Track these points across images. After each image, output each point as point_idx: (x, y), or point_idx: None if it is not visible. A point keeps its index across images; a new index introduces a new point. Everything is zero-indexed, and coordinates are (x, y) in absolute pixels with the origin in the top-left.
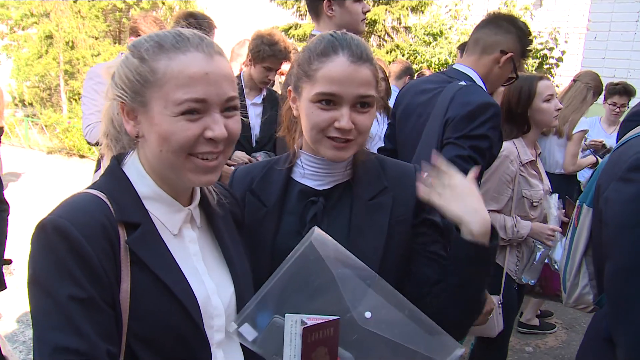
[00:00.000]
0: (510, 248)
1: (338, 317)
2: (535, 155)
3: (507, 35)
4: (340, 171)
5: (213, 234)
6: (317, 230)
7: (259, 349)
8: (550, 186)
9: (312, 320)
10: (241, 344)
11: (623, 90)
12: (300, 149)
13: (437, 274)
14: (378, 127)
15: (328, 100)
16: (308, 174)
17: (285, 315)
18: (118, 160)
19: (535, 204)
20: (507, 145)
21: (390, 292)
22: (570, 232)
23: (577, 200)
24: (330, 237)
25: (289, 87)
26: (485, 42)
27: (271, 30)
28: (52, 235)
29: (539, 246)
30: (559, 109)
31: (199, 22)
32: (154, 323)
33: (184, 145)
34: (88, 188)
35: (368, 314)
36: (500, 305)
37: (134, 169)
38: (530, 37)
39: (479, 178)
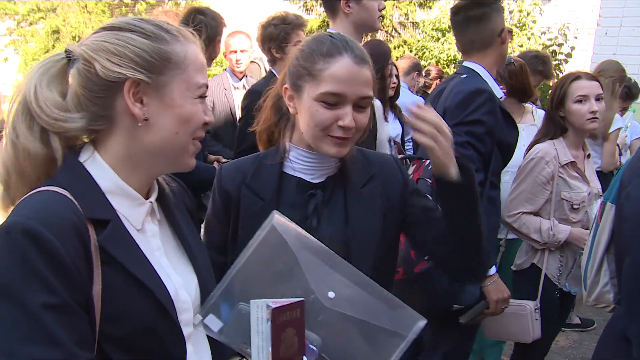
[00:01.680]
0: (551, 252)
1: (303, 298)
2: (583, 156)
3: (490, 19)
4: (331, 165)
5: (171, 226)
6: (276, 214)
7: (225, 338)
8: (601, 189)
9: (277, 304)
10: (208, 336)
11: (625, 96)
12: (291, 143)
13: (435, 231)
14: (392, 130)
15: (332, 100)
16: (300, 168)
17: (250, 301)
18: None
19: (576, 206)
20: (544, 146)
21: (352, 272)
22: (593, 229)
23: (601, 197)
24: (290, 221)
25: (285, 85)
26: (479, 39)
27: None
28: (19, 239)
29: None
30: (594, 111)
31: (207, 21)
32: (128, 323)
33: (199, 127)
34: (45, 185)
35: (331, 294)
36: (537, 311)
37: (94, 163)
38: None
39: (485, 164)
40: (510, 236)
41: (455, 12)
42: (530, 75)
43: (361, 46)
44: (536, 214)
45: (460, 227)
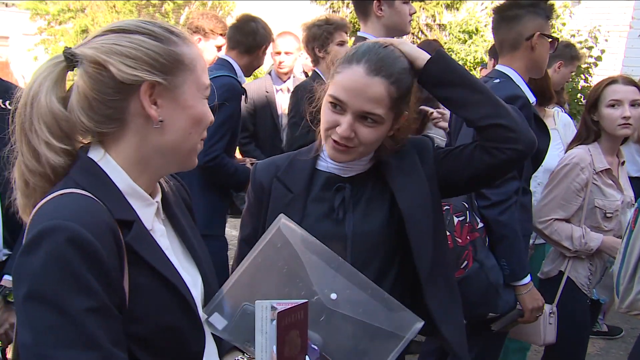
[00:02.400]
0: (579, 260)
1: (307, 300)
2: (617, 163)
3: (521, 21)
4: (363, 163)
5: (173, 225)
6: (283, 218)
7: (229, 336)
8: (633, 197)
9: (281, 305)
10: (212, 334)
11: None
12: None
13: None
14: None
15: (335, 104)
16: (332, 165)
17: (255, 302)
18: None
19: (609, 215)
20: (579, 151)
21: (354, 274)
22: (627, 236)
23: (636, 203)
24: (296, 224)
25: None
26: (507, 40)
27: (315, 19)
28: (61, 242)
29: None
30: (626, 117)
31: (257, 28)
32: (152, 321)
33: (207, 126)
34: (64, 187)
35: (334, 296)
36: (552, 315)
37: (108, 164)
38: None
39: (519, 171)
40: (538, 241)
41: (495, 11)
42: (568, 66)
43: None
44: (567, 220)
45: (474, 108)
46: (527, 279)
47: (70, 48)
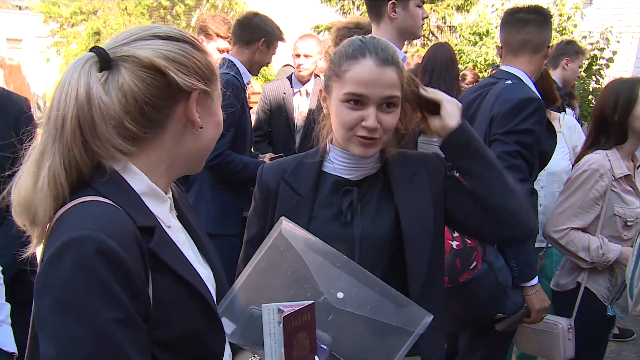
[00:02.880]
0: (597, 271)
1: (313, 301)
2: (633, 168)
3: (546, 28)
4: (370, 164)
5: (182, 221)
6: (284, 220)
7: (238, 340)
8: None
9: (288, 307)
10: None
11: None
12: (331, 144)
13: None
14: None
15: (356, 101)
16: (339, 167)
17: (262, 305)
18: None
19: (629, 223)
20: (597, 157)
21: (360, 271)
22: None
23: None
24: (298, 226)
25: (320, 87)
26: (534, 42)
27: (343, 22)
28: (88, 253)
29: None
30: None
31: (262, 21)
32: (176, 326)
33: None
34: (85, 195)
35: (340, 295)
36: (570, 330)
37: (126, 168)
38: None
39: (530, 174)
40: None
41: (516, 10)
42: (575, 61)
43: (391, 48)
44: (584, 230)
45: (485, 184)
46: (536, 280)
47: (99, 47)
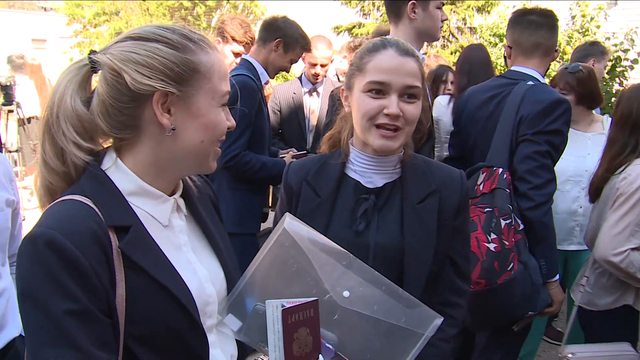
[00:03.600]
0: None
1: (316, 297)
2: None
3: (556, 32)
4: (390, 169)
5: (197, 221)
6: (288, 217)
7: (244, 337)
8: None
9: (291, 304)
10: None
11: None
12: (352, 145)
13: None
14: None
15: (378, 90)
16: (359, 170)
17: (266, 301)
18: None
19: None
20: None
21: (366, 270)
22: None
23: None
24: (303, 223)
25: (342, 87)
26: (546, 45)
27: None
28: (42, 249)
29: None
30: None
31: (282, 22)
32: (151, 324)
33: (223, 134)
34: (69, 193)
35: (346, 293)
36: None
37: (117, 169)
38: None
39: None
40: (572, 247)
41: (527, 12)
42: (601, 61)
43: (405, 43)
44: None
45: None
46: (558, 275)
47: (95, 52)
